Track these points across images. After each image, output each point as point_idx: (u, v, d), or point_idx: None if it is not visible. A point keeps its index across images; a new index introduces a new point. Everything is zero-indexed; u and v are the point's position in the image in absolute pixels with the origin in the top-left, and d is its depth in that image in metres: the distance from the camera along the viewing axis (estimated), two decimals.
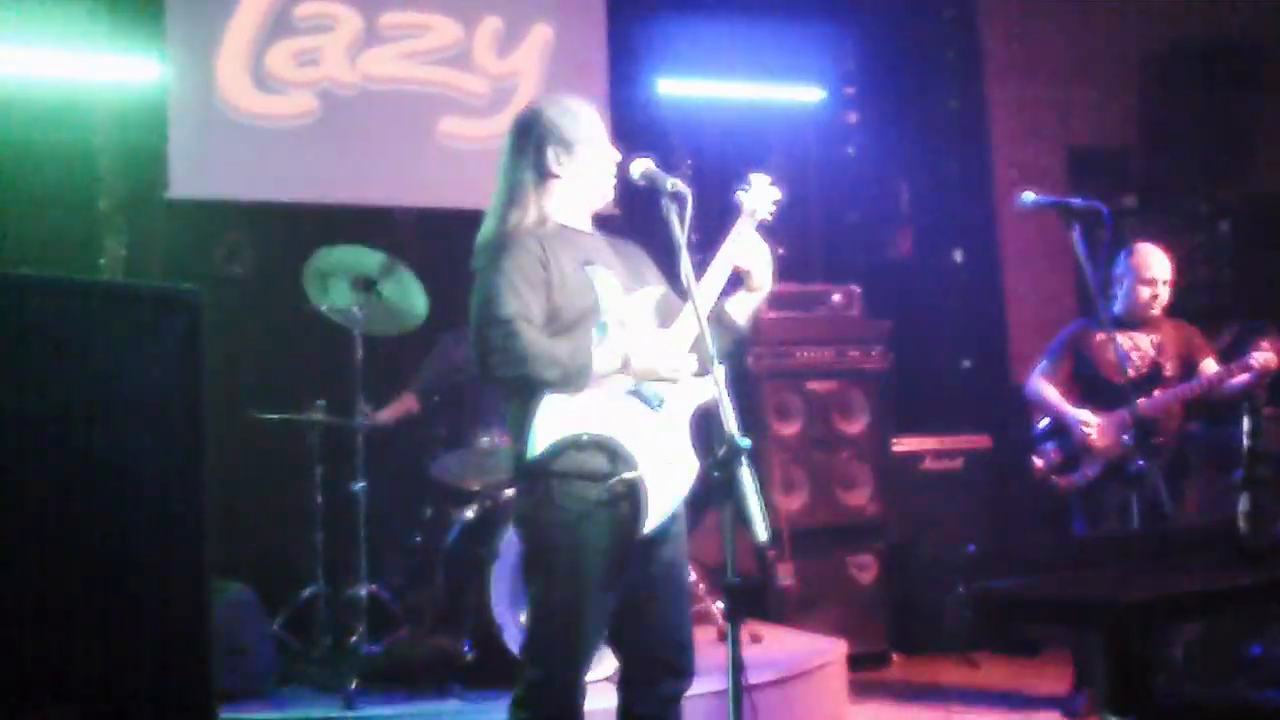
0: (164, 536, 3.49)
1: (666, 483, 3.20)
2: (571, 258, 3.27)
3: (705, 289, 3.29)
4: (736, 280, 3.40)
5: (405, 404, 5.59)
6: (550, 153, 3.33)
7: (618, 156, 3.41)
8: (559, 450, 3.13)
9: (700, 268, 3.26)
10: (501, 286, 3.15)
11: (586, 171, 3.37)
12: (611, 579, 3.17)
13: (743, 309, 3.43)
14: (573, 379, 3.13)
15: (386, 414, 5.49)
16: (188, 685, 3.57)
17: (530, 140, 3.35)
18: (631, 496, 3.14)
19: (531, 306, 3.16)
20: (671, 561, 3.31)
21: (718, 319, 3.35)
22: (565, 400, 3.14)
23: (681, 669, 3.32)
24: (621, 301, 3.31)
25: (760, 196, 3.45)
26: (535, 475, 3.17)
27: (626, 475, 3.13)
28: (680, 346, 3.27)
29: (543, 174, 3.33)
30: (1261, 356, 4.84)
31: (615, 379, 3.19)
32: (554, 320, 3.21)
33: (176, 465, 3.56)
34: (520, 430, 3.19)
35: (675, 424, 3.27)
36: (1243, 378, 4.90)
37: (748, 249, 3.36)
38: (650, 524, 3.16)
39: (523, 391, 3.18)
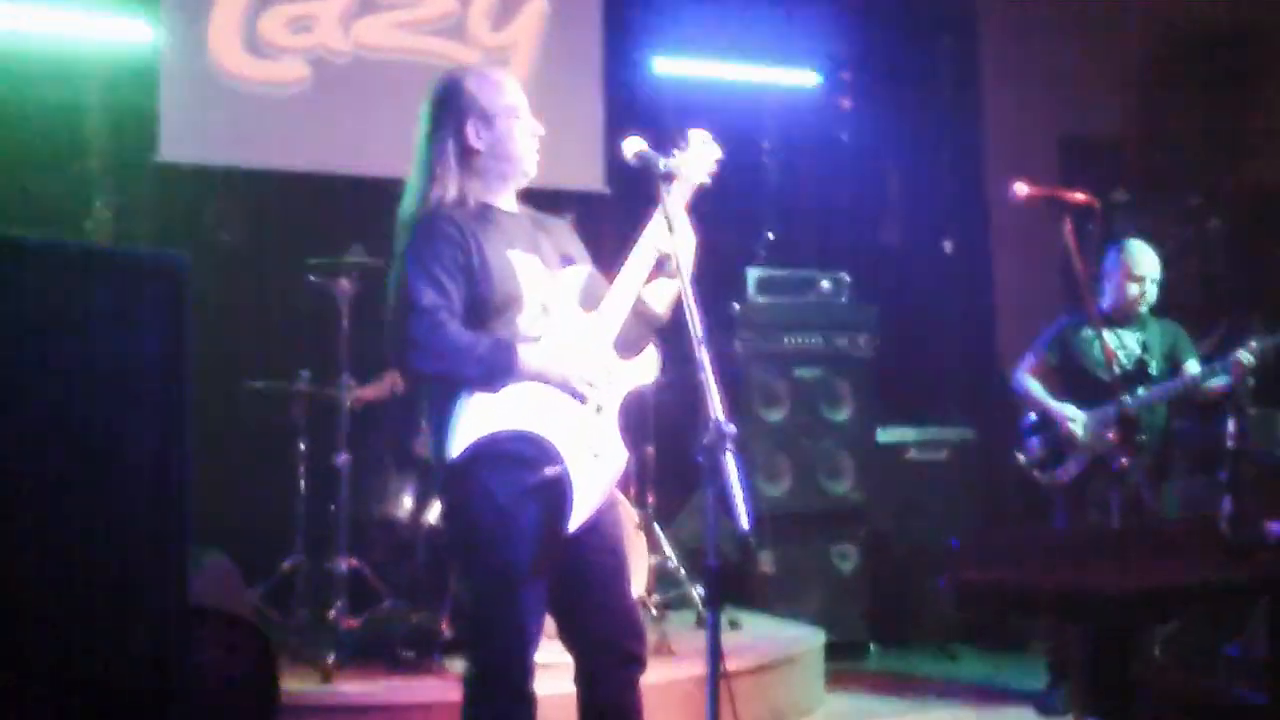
0: (146, 506, 3.46)
1: (593, 476, 3.13)
2: (494, 241, 3.17)
3: (629, 273, 3.21)
4: (657, 265, 3.25)
5: (390, 381, 5.55)
6: (470, 126, 3.23)
7: (540, 130, 3.30)
8: (481, 447, 3.04)
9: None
10: (421, 274, 3.07)
11: (508, 144, 3.26)
12: (540, 565, 3.08)
13: (661, 297, 3.29)
14: (493, 376, 3.05)
15: (370, 390, 5.45)
16: (165, 657, 3.54)
17: (449, 112, 3.25)
18: (556, 491, 3.07)
19: (452, 296, 3.08)
20: (608, 548, 3.24)
21: (634, 308, 3.24)
22: (486, 395, 3.06)
23: (633, 653, 3.25)
24: (545, 286, 3.21)
25: (697, 158, 3.32)
26: (458, 472, 3.06)
27: (549, 471, 3.06)
28: (604, 333, 3.20)
29: (463, 148, 3.24)
30: (1242, 358, 4.83)
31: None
32: (476, 309, 3.12)
33: (160, 433, 3.52)
34: (440, 425, 3.08)
35: (603, 414, 3.19)
36: (1223, 380, 4.89)
37: (669, 230, 3.15)
38: (577, 519, 3.09)
39: (438, 387, 3.12)
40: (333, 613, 4.96)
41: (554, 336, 3.17)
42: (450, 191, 3.21)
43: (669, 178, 3.13)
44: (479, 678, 3.14)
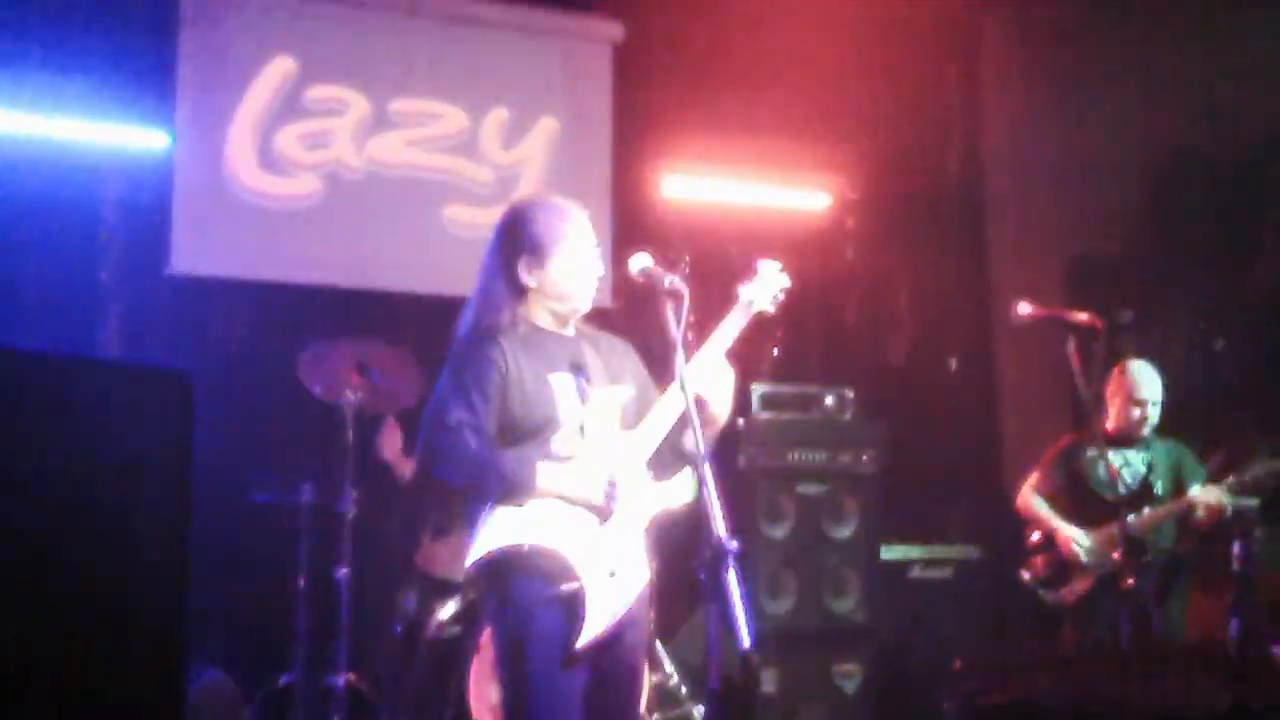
0: (145, 614, 3.45)
1: (609, 595, 3.16)
2: (536, 364, 3.26)
3: (670, 396, 3.27)
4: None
5: (408, 463, 5.48)
6: (522, 263, 3.32)
7: (601, 270, 3.38)
8: (503, 556, 3.14)
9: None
10: (455, 391, 3.19)
11: (560, 284, 3.34)
12: (570, 661, 3.13)
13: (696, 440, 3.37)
14: (513, 491, 3.15)
15: (393, 452, 5.38)
16: None
17: (505, 246, 3.36)
18: (571, 607, 3.11)
19: (480, 415, 3.17)
20: (626, 665, 3.28)
21: (672, 447, 3.32)
22: (511, 509, 3.15)
23: None
24: (584, 407, 3.27)
25: (764, 286, 3.43)
26: (481, 579, 3.21)
27: (565, 588, 3.11)
28: (638, 453, 3.25)
29: (515, 284, 3.33)
30: (1201, 500, 4.87)
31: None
32: (509, 430, 3.22)
33: (162, 544, 3.52)
34: (470, 535, 3.21)
35: (626, 533, 3.23)
36: (1203, 514, 4.91)
37: (713, 374, 3.31)
38: (588, 636, 3.12)
39: (469, 498, 3.22)
40: None
41: (584, 455, 3.20)
42: (503, 317, 3.31)
43: (675, 295, 3.17)
44: None
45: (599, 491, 3.18)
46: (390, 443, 5.39)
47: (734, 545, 2.76)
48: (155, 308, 6.06)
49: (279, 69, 6.27)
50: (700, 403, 3.31)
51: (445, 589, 5.17)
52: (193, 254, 6.07)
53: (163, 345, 5.97)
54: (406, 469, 5.43)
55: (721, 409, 3.34)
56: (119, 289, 6.05)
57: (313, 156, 6.34)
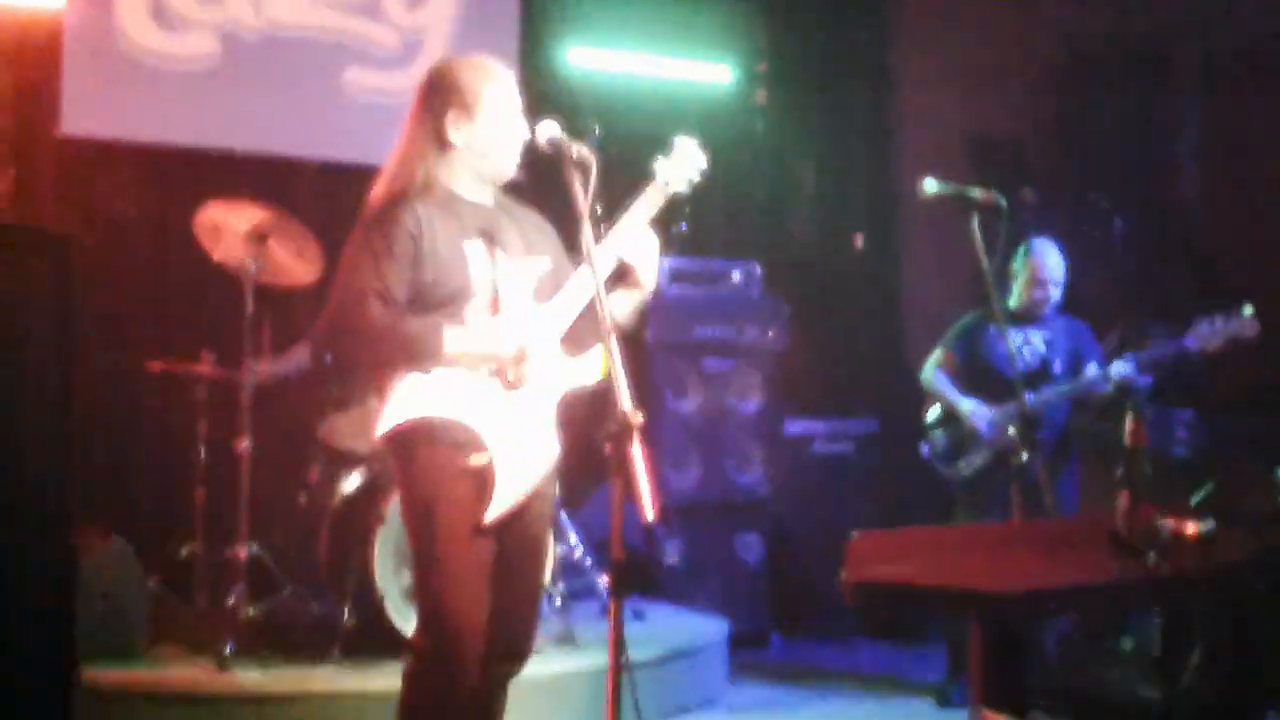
0: (27, 488, 3.38)
1: (519, 467, 3.16)
2: (451, 231, 3.19)
3: (585, 271, 3.21)
4: (619, 275, 3.31)
5: (297, 354, 5.43)
6: (450, 118, 3.23)
7: (527, 133, 3.28)
8: (405, 433, 3.14)
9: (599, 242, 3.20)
10: (365, 260, 3.12)
11: (486, 142, 3.26)
12: (477, 531, 3.13)
13: (623, 307, 3.33)
14: (420, 357, 3.11)
15: (277, 363, 5.34)
16: (51, 642, 3.47)
17: (433, 100, 3.25)
18: (479, 480, 3.11)
19: (391, 283, 3.11)
20: (530, 538, 3.29)
21: (585, 323, 3.26)
22: (420, 379, 3.12)
23: (518, 651, 3.32)
24: (497, 277, 3.22)
25: (681, 164, 3.37)
26: (392, 447, 3.19)
27: (474, 460, 3.11)
28: (551, 326, 3.22)
29: (440, 140, 3.24)
30: (1117, 370, 4.99)
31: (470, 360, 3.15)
32: (421, 298, 3.15)
33: (45, 411, 3.44)
34: (377, 406, 3.20)
35: (537, 407, 3.22)
36: (1105, 389, 5.03)
37: (638, 241, 3.28)
38: (496, 509, 3.13)
39: (376, 368, 3.20)
40: (231, 600, 4.88)
41: (496, 323, 3.17)
42: (418, 178, 3.21)
43: (583, 165, 3.12)
44: (427, 645, 3.15)
45: (509, 355, 3.14)
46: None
47: (639, 418, 2.76)
48: (44, 171, 5.86)
49: None
50: (626, 270, 3.29)
51: (349, 460, 5.14)
52: (84, 115, 5.86)
53: (53, 210, 5.78)
54: (299, 358, 5.36)
55: (647, 277, 3.31)
56: (6, 151, 5.82)
57: (208, 14, 6.11)
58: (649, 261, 3.31)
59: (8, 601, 3.23)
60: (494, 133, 3.26)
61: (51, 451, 3.18)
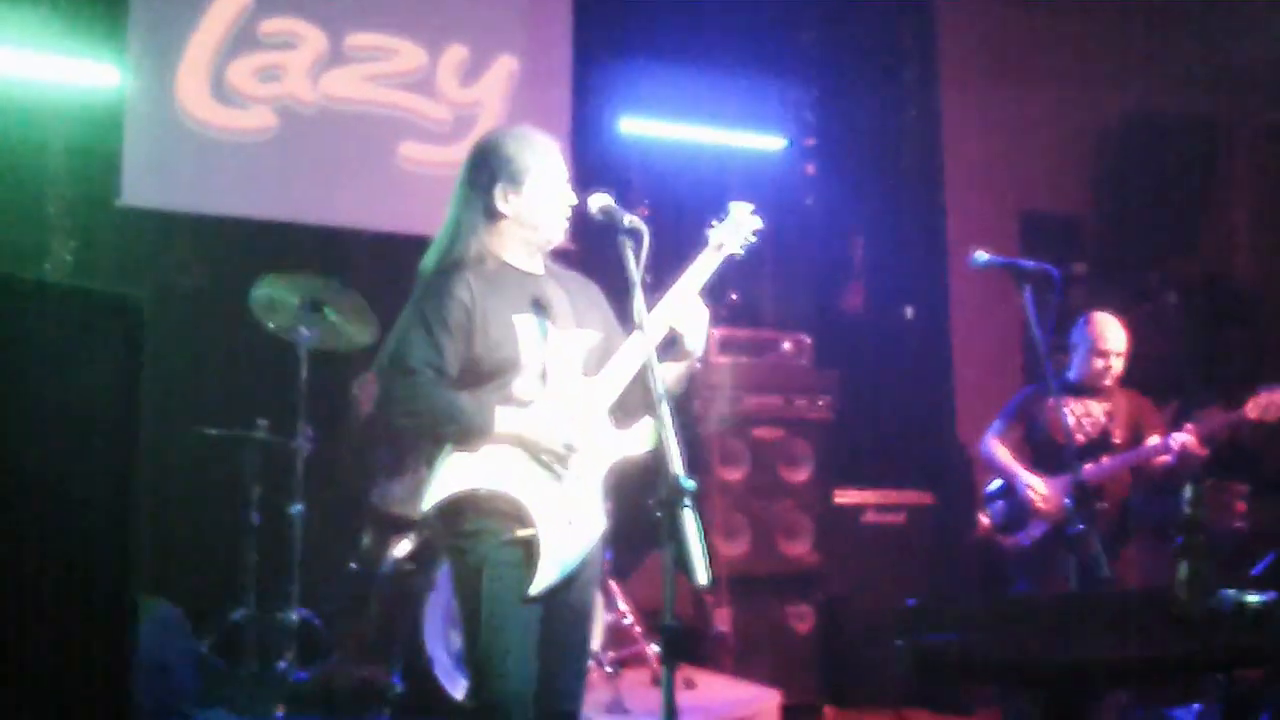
0: (89, 552, 3.40)
1: (564, 543, 3.17)
2: (502, 303, 3.22)
3: (635, 342, 3.25)
4: (668, 344, 3.33)
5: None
6: (498, 190, 3.27)
7: (573, 200, 3.33)
8: (454, 504, 3.16)
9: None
10: (418, 332, 3.16)
11: (535, 212, 3.29)
12: (527, 599, 3.14)
13: (670, 375, 3.33)
14: (470, 437, 3.14)
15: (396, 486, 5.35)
16: (105, 701, 3.47)
17: (481, 173, 3.30)
18: (526, 552, 3.12)
19: (445, 355, 3.15)
20: (577, 605, 3.30)
21: (635, 393, 3.28)
22: (468, 454, 3.15)
23: (567, 713, 3.31)
24: (547, 351, 3.25)
25: (735, 228, 3.41)
26: (437, 521, 3.22)
27: (519, 534, 3.12)
28: (599, 400, 3.24)
29: (489, 212, 3.28)
30: (1179, 439, 4.90)
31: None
32: (471, 370, 3.19)
33: (107, 476, 3.47)
34: (426, 477, 3.22)
35: (582, 483, 3.23)
36: (1165, 459, 4.96)
37: (687, 309, 3.30)
38: (542, 583, 3.13)
39: (426, 440, 3.24)
40: (282, 664, 4.89)
41: (544, 402, 3.19)
42: (471, 250, 3.25)
43: (634, 234, 3.15)
44: (479, 711, 3.16)
45: (557, 441, 3.17)
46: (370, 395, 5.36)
47: (691, 484, 2.76)
48: (105, 243, 5.98)
49: (234, 1, 6.15)
50: (675, 339, 3.31)
51: (400, 526, 5.16)
52: (144, 186, 5.97)
53: (112, 281, 5.88)
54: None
55: (695, 344, 3.33)
56: (67, 224, 5.94)
57: (266, 90, 6.23)
58: (698, 329, 3.32)
59: (69, 668, 3.25)
60: (542, 202, 3.30)
61: (116, 518, 3.20)
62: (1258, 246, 6.81)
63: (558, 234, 3.36)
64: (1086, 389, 5.28)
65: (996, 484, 5.40)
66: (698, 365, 3.42)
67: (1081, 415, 5.18)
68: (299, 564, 4.98)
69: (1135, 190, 7.22)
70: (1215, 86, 6.91)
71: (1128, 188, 7.26)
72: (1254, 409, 4.78)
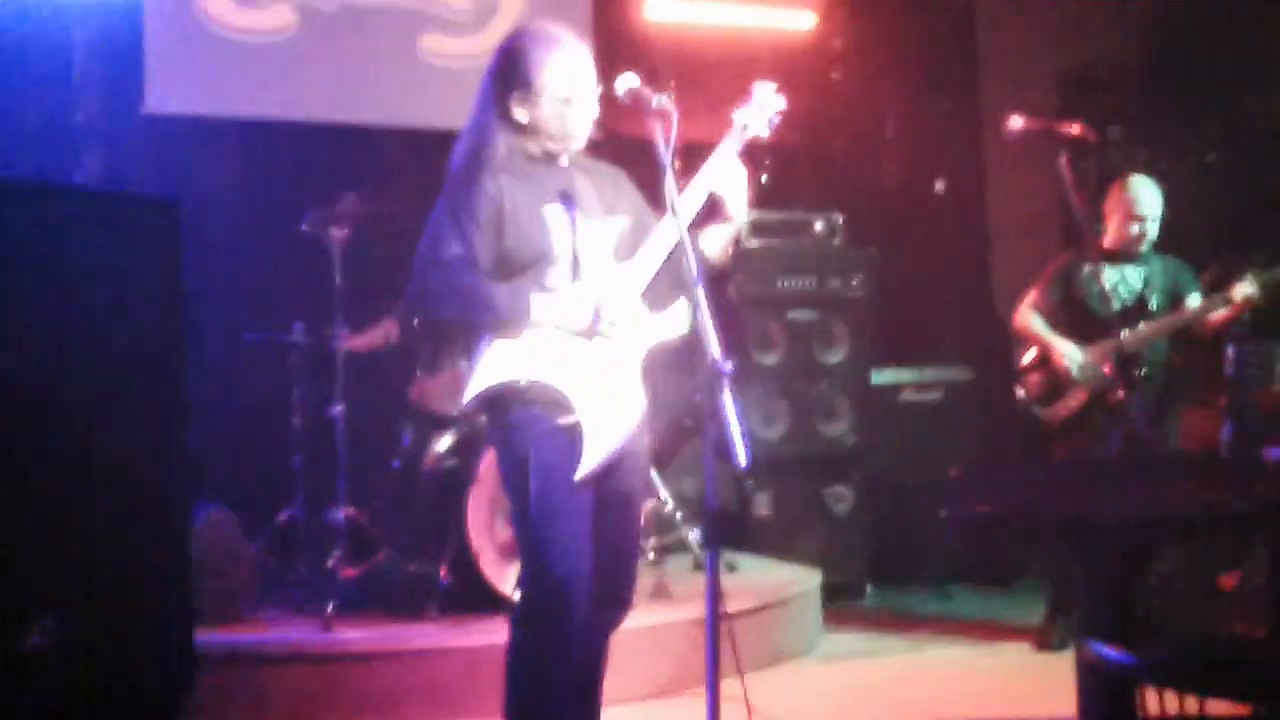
0: (144, 444, 3.44)
1: (608, 424, 3.18)
2: (530, 196, 3.22)
3: (665, 224, 3.23)
4: (710, 210, 3.31)
5: (385, 330, 5.50)
6: (514, 99, 3.25)
7: (595, 111, 3.30)
8: (496, 395, 3.17)
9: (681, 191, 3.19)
10: (449, 226, 3.17)
11: (552, 121, 3.26)
12: (576, 485, 3.16)
13: (715, 242, 3.33)
14: (508, 325, 3.16)
15: (364, 340, 5.40)
16: (166, 601, 3.55)
17: (499, 82, 3.28)
18: (570, 439, 3.14)
19: (477, 248, 3.16)
20: (624, 491, 3.32)
21: (669, 275, 3.27)
22: (507, 342, 3.16)
23: (622, 599, 3.37)
24: (579, 239, 3.24)
25: (759, 110, 3.36)
26: (482, 412, 3.26)
27: (562, 420, 3.14)
28: (634, 284, 3.23)
29: (507, 119, 3.27)
30: (1242, 290, 4.82)
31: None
32: (505, 263, 3.21)
33: (160, 378, 3.50)
34: (466, 369, 3.24)
35: (623, 364, 3.23)
36: (1223, 312, 4.88)
37: (726, 173, 3.27)
38: (587, 467, 3.15)
39: (464, 332, 3.23)
40: (331, 562, 4.96)
41: (578, 287, 3.20)
42: (497, 147, 3.26)
43: (663, 115, 3.10)
44: (533, 597, 3.21)
45: (596, 320, 3.17)
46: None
47: (729, 366, 2.76)
48: (133, 148, 5.95)
49: None
50: (717, 202, 3.29)
51: (440, 422, 5.19)
52: (167, 92, 5.94)
53: (142, 186, 5.86)
54: (387, 335, 5.42)
55: (737, 206, 3.30)
56: (96, 130, 5.92)
57: None
58: (739, 191, 3.30)
59: (131, 568, 3.31)
60: (559, 115, 3.26)
61: (165, 418, 3.24)
62: None
63: (579, 141, 3.34)
64: (1122, 255, 5.21)
65: (1030, 355, 5.36)
66: (742, 229, 3.40)
67: (1117, 281, 5.12)
68: (343, 464, 5.02)
69: (1174, 47, 7.01)
70: None
71: (1167, 44, 7.05)
72: None
